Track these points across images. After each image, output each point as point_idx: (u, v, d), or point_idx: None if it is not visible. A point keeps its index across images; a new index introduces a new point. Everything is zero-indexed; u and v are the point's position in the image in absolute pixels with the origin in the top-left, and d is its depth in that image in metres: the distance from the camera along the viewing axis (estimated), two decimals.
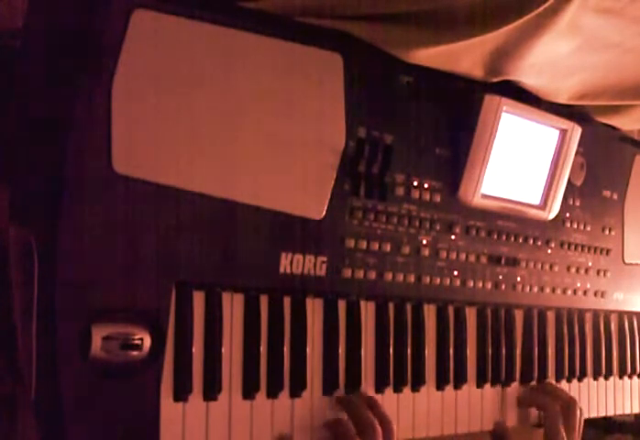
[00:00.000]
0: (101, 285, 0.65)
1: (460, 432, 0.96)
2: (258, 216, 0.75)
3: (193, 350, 0.72)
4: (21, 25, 0.75)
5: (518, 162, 0.97)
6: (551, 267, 1.06)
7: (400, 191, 0.87)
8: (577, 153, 1.04)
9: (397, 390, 0.89)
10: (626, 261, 1.20)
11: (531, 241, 1.03)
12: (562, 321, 1.11)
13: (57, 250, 0.63)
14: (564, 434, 0.99)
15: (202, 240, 0.71)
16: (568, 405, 1.02)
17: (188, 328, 0.72)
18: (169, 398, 0.70)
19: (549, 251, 1.06)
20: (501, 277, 0.99)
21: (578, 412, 1.02)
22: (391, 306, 0.89)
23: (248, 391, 0.76)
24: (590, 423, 1.07)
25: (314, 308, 0.82)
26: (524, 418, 1.05)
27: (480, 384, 0.98)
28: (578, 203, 1.10)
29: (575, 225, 1.10)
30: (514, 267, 1.01)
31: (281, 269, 0.77)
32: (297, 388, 0.79)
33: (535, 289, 1.04)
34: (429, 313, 0.93)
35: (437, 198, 0.91)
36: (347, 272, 0.82)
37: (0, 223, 0.71)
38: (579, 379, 1.13)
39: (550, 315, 1.10)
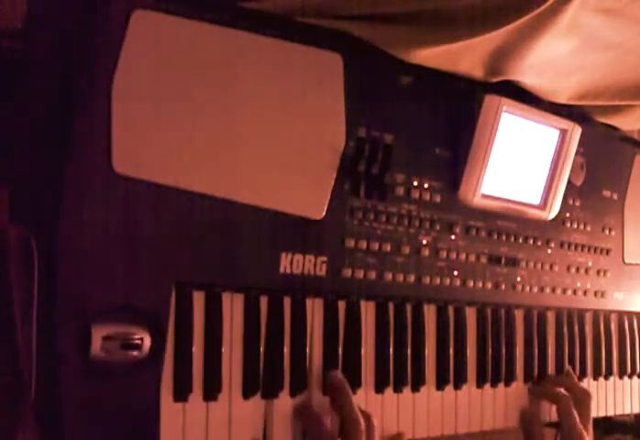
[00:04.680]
0: (101, 285, 0.65)
1: (460, 432, 0.96)
2: (258, 216, 0.75)
3: (193, 350, 0.72)
4: (21, 25, 0.75)
5: (518, 162, 0.97)
6: (551, 267, 1.06)
7: (400, 191, 0.87)
8: (577, 153, 1.04)
9: (397, 390, 0.89)
10: (626, 261, 1.20)
11: (531, 241, 1.03)
12: (562, 321, 1.11)
13: (57, 250, 0.63)
14: (580, 424, 1.00)
15: (202, 240, 0.71)
16: (581, 396, 1.03)
17: (188, 328, 0.72)
18: (169, 398, 0.70)
19: (549, 251, 1.06)
20: (501, 277, 0.99)
21: (591, 404, 1.03)
22: (391, 306, 0.89)
23: (248, 391, 0.76)
24: None
25: (314, 308, 0.82)
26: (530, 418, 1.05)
27: (479, 384, 0.98)
28: (578, 203, 1.10)
29: (575, 225, 1.10)
30: (514, 267, 1.01)
31: (281, 269, 0.77)
32: (297, 388, 0.79)
33: (535, 289, 1.04)
34: (429, 313, 0.93)
35: (437, 198, 0.91)
36: (347, 272, 0.82)
37: (0, 223, 0.71)
38: (579, 379, 1.13)
39: (550, 315, 1.10)
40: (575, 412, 1.01)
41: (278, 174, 0.76)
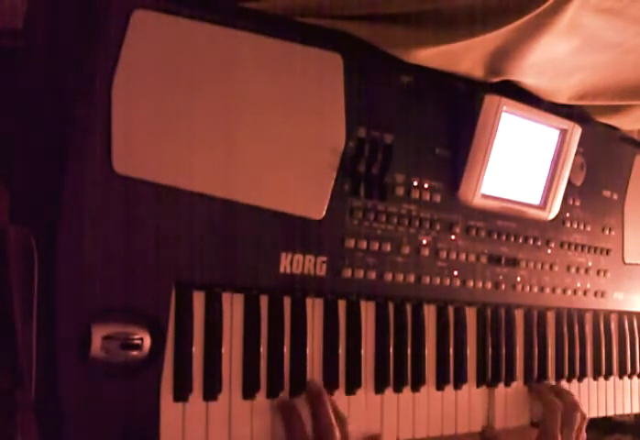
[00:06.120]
0: (101, 285, 0.65)
1: (460, 432, 0.96)
2: (258, 216, 0.75)
3: (193, 350, 0.72)
4: (21, 25, 0.75)
5: (518, 162, 0.97)
6: (551, 267, 1.06)
7: (400, 191, 0.87)
8: (577, 153, 1.04)
9: (397, 390, 0.89)
10: (626, 261, 1.20)
11: (531, 241, 1.03)
12: (562, 321, 1.11)
13: (57, 250, 0.63)
14: (559, 433, 1.00)
15: (202, 240, 0.71)
16: (570, 407, 1.02)
17: (188, 328, 0.72)
18: (169, 398, 0.70)
19: (549, 251, 1.06)
20: (501, 277, 0.99)
21: (578, 416, 1.03)
22: (391, 306, 0.89)
23: (248, 391, 0.76)
24: (590, 423, 1.07)
25: (314, 308, 0.82)
26: (523, 418, 1.05)
27: (479, 384, 0.98)
28: (578, 203, 1.10)
29: (575, 225, 1.10)
30: (514, 267, 1.01)
31: (281, 269, 0.77)
32: (297, 388, 0.79)
33: (535, 289, 1.04)
34: (429, 313, 0.93)
35: (437, 198, 0.91)
36: (347, 272, 0.82)
37: (0, 223, 0.71)
38: (579, 379, 1.13)
39: (550, 315, 1.10)
40: (559, 420, 1.01)
41: (278, 174, 0.76)
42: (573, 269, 1.10)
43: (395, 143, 0.86)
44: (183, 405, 0.71)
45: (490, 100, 0.91)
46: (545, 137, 0.99)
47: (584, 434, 1.04)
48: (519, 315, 1.05)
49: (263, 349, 0.77)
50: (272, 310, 0.78)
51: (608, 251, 1.16)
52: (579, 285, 1.11)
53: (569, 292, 1.10)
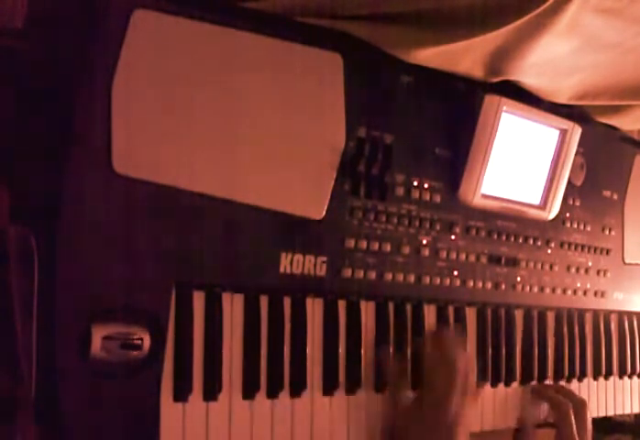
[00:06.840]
0: (101, 285, 0.65)
1: None
2: (258, 216, 0.75)
3: (193, 350, 0.72)
4: (21, 25, 0.75)
5: (518, 162, 0.97)
6: (551, 267, 1.06)
7: (400, 191, 0.87)
8: (577, 153, 1.04)
9: None
10: (626, 261, 1.20)
11: (531, 241, 1.03)
12: (562, 321, 1.11)
13: (57, 250, 0.63)
14: (575, 430, 1.00)
15: (202, 240, 0.71)
16: (579, 406, 1.03)
17: (188, 328, 0.72)
18: (169, 398, 0.70)
19: (549, 251, 1.06)
20: (501, 277, 0.99)
21: (588, 413, 1.03)
22: (391, 306, 0.89)
23: (248, 391, 0.76)
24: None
25: (314, 308, 0.82)
26: (524, 418, 1.05)
27: (479, 384, 0.98)
28: (578, 203, 1.10)
29: (575, 225, 1.10)
30: (514, 267, 1.01)
31: (281, 269, 0.77)
32: (297, 388, 0.79)
33: (535, 289, 1.04)
34: (429, 313, 0.93)
35: (437, 198, 0.91)
36: (347, 272, 0.82)
37: (0, 223, 0.71)
38: (579, 379, 1.13)
39: (550, 315, 1.10)
40: (573, 420, 1.01)
41: (278, 174, 0.76)
42: (573, 269, 1.10)
43: (395, 143, 0.86)
44: (183, 405, 0.71)
45: (490, 100, 0.91)
46: (545, 137, 0.99)
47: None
48: (519, 315, 1.05)
49: (263, 349, 0.77)
50: (272, 310, 0.78)
51: (608, 251, 1.16)
52: (579, 285, 1.11)
53: (569, 292, 1.10)
